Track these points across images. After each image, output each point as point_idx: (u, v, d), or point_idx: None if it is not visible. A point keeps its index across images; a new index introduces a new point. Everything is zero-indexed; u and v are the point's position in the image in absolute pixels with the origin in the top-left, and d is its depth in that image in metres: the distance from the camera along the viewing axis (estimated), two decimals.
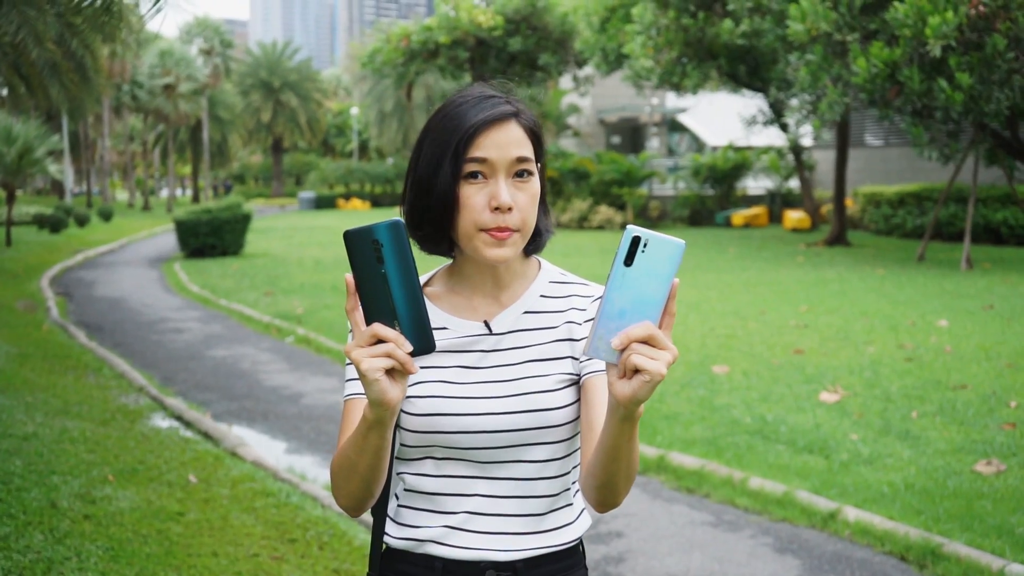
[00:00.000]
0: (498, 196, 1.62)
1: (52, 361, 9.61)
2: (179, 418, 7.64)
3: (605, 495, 1.63)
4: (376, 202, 56.71)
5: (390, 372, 1.44)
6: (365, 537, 4.97)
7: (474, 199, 1.64)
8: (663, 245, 1.39)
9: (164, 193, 75.07)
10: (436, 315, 1.75)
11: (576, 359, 1.74)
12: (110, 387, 8.63)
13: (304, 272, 18.20)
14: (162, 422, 7.53)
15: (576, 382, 1.74)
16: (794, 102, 22.86)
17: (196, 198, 61.66)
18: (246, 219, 22.33)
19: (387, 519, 1.80)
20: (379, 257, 1.42)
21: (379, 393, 1.44)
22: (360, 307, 1.44)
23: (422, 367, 1.72)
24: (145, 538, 4.85)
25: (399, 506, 1.79)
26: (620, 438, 1.51)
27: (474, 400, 1.69)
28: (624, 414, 1.45)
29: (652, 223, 29.54)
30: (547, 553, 1.74)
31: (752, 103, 27.03)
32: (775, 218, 30.02)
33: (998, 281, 14.64)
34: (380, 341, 1.42)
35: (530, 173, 1.67)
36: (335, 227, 32.75)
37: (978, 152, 17.04)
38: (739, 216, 29.00)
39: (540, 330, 1.75)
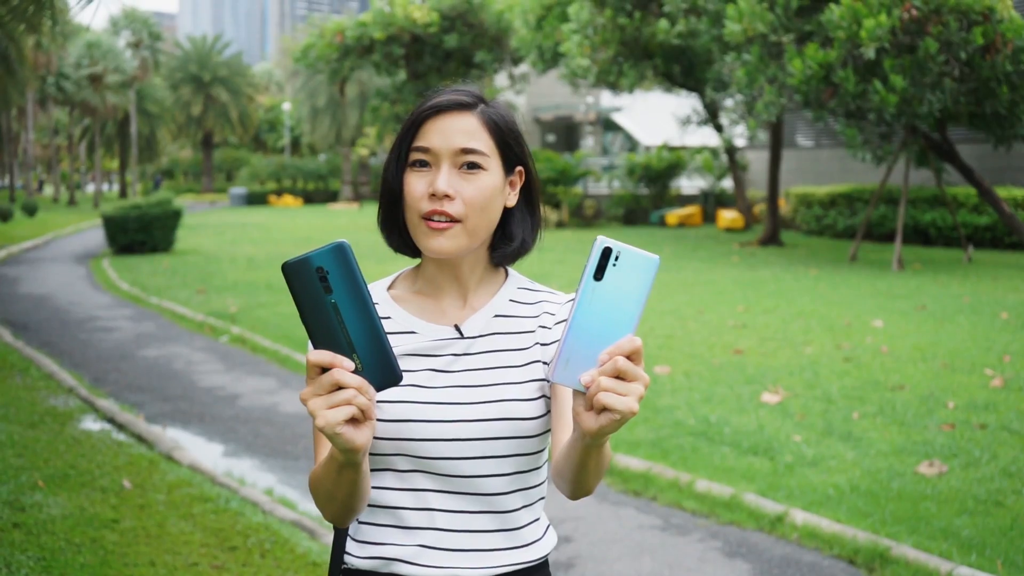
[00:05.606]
0: (435, 182, 1.59)
1: None
2: (111, 420, 7.41)
3: (575, 489, 1.59)
4: (309, 199, 56.10)
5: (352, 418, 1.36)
6: (309, 544, 4.84)
7: (414, 186, 1.62)
8: (636, 259, 1.30)
9: (90, 188, 73.60)
10: (403, 318, 1.70)
11: (546, 363, 1.68)
12: (38, 388, 8.36)
13: (237, 270, 17.89)
14: (93, 425, 7.31)
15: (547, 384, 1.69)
16: (729, 102, 23.07)
17: (123, 193, 60.46)
18: (176, 215, 21.92)
19: (347, 536, 1.71)
20: (327, 286, 1.30)
21: (345, 443, 1.36)
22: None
23: None
24: (78, 547, 4.68)
25: (360, 522, 1.70)
26: (588, 459, 1.48)
27: (446, 406, 1.62)
28: (590, 443, 1.41)
29: (587, 222, 29.62)
30: (520, 569, 1.67)
31: (686, 103, 27.21)
32: (709, 218, 30.26)
33: (929, 281, 14.87)
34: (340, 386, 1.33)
35: (480, 167, 1.62)
36: (267, 224, 32.33)
37: (909, 154, 17.31)
38: (673, 215, 29.17)
39: (512, 334, 1.69)
